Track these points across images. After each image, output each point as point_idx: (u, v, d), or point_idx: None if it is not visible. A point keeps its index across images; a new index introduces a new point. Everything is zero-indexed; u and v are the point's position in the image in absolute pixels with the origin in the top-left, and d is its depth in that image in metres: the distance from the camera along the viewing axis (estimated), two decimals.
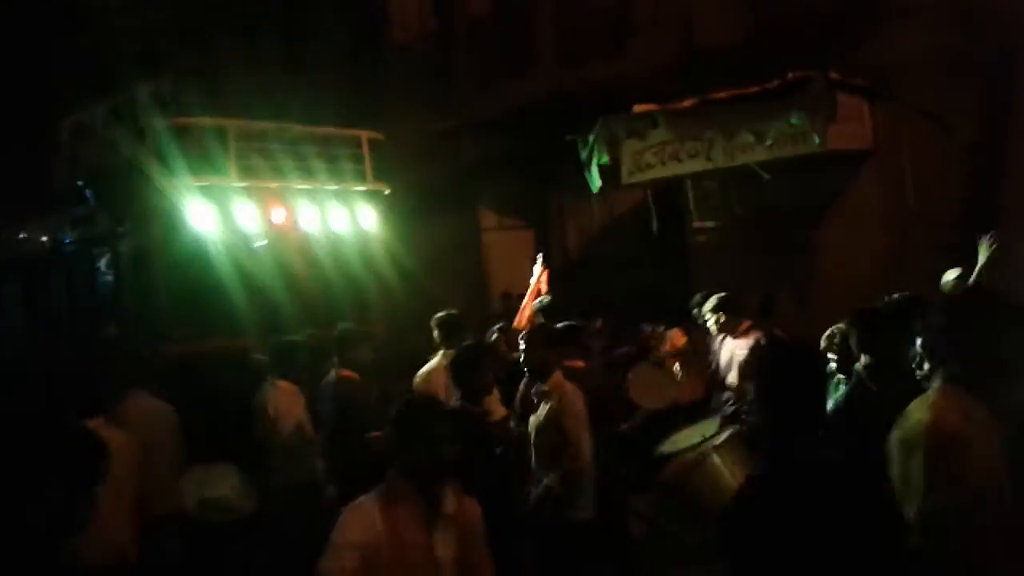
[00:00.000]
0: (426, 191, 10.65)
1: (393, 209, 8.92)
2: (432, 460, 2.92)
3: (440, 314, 5.84)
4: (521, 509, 4.48)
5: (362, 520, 2.85)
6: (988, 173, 8.96)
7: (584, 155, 8.57)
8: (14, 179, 11.25)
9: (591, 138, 8.44)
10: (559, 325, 5.59)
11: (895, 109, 8.71)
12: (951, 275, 5.90)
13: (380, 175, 8.75)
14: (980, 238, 4.77)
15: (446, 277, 10.13)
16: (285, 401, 5.41)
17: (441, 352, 5.71)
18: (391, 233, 8.72)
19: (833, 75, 7.91)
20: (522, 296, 10.51)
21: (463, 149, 11.61)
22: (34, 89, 13.93)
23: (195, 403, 5.78)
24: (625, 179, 8.91)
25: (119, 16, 15.14)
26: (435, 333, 5.76)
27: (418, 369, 6.04)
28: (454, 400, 4.42)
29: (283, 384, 5.48)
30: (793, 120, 7.55)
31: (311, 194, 8.04)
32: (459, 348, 4.53)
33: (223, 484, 5.54)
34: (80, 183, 7.96)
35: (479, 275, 11.84)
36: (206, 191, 7.34)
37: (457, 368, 4.41)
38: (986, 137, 9.03)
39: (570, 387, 4.53)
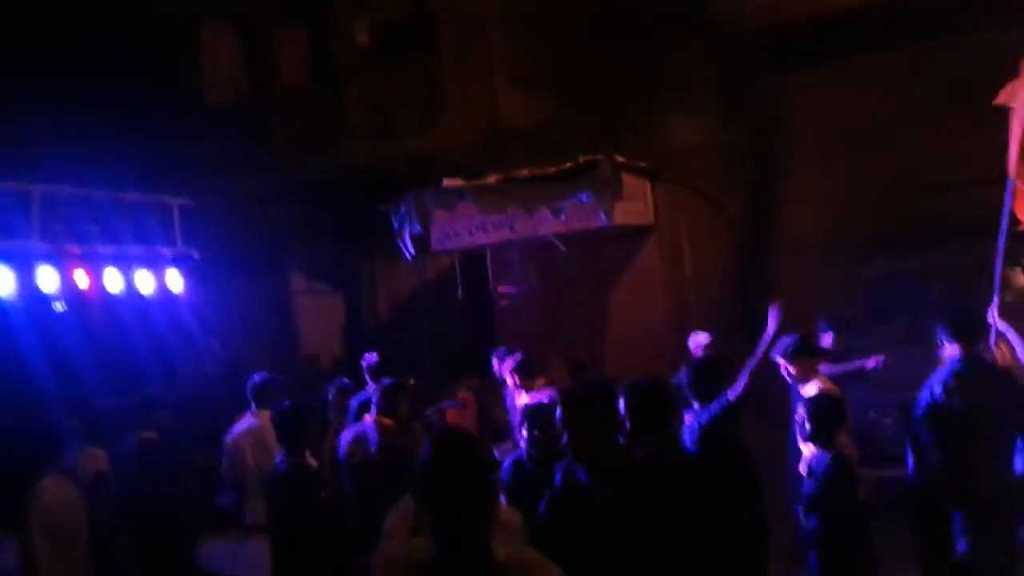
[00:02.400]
0: (237, 254, 10.69)
1: (203, 273, 8.95)
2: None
3: (257, 378, 6.01)
4: None
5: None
6: (752, 246, 10.25)
7: (396, 224, 9.00)
8: None
9: (403, 209, 8.89)
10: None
11: (674, 189, 9.82)
12: (702, 338, 6.88)
13: (190, 239, 8.78)
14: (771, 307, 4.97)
15: (255, 340, 10.18)
16: (94, 467, 5.39)
17: (252, 412, 5.86)
18: (200, 297, 8.74)
19: (619, 158, 8.82)
20: (334, 359, 10.74)
21: (275, 214, 11.75)
22: None
23: None
24: (435, 247, 9.43)
25: None
26: (250, 395, 5.90)
27: (223, 429, 6.19)
28: (278, 458, 4.66)
29: (91, 450, 5.45)
30: (583, 198, 8.32)
31: (117, 258, 7.99)
32: (282, 408, 4.72)
33: (7, 555, 5.42)
34: None
35: (288, 338, 11.91)
36: (4, 255, 7.17)
37: (284, 426, 4.62)
38: (751, 216, 10.35)
39: None
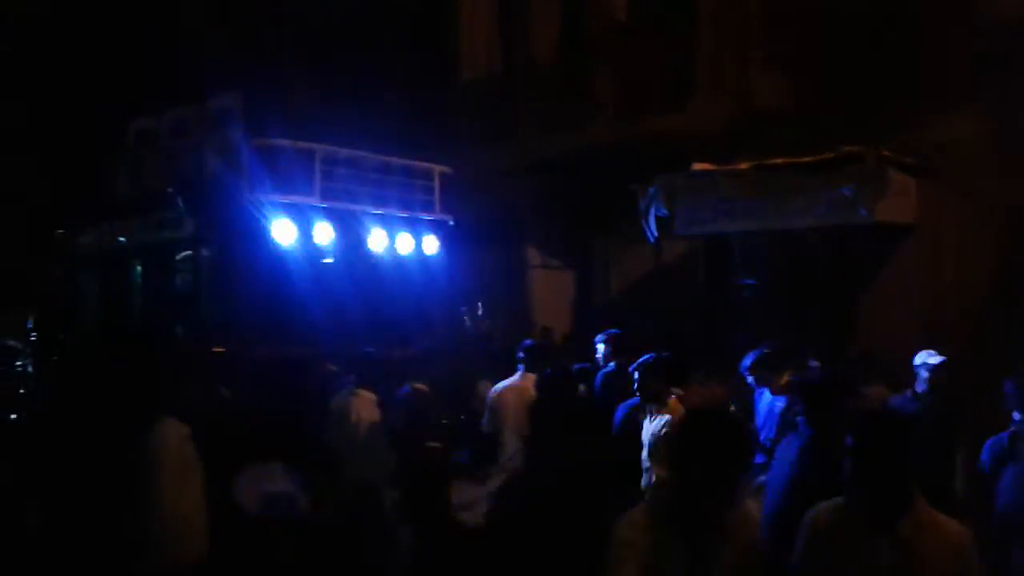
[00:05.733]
0: (482, 224, 11.13)
1: (452, 238, 9.42)
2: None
3: (528, 342, 6.36)
4: None
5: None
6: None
7: (643, 205, 9.01)
8: (73, 179, 11.92)
9: (651, 190, 8.88)
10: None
11: (939, 188, 9.10)
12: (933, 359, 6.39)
13: (445, 206, 9.28)
14: None
15: (494, 307, 10.58)
16: (366, 408, 5.86)
17: (520, 373, 6.20)
18: (450, 261, 9.22)
19: (884, 152, 8.32)
20: (564, 336, 10.96)
21: (518, 187, 12.09)
22: (94, 92, 14.70)
23: (266, 403, 6.22)
24: (678, 231, 9.35)
25: (188, 28, 15.92)
26: (521, 357, 6.24)
27: (469, 392, 6.53)
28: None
29: (364, 392, 5.93)
30: (844, 192, 7.94)
31: (382, 219, 8.58)
32: (547, 374, 4.91)
33: (282, 481, 5.96)
34: (170, 189, 8.46)
35: (523, 309, 12.27)
36: (287, 208, 7.89)
37: (547, 393, 4.80)
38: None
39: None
